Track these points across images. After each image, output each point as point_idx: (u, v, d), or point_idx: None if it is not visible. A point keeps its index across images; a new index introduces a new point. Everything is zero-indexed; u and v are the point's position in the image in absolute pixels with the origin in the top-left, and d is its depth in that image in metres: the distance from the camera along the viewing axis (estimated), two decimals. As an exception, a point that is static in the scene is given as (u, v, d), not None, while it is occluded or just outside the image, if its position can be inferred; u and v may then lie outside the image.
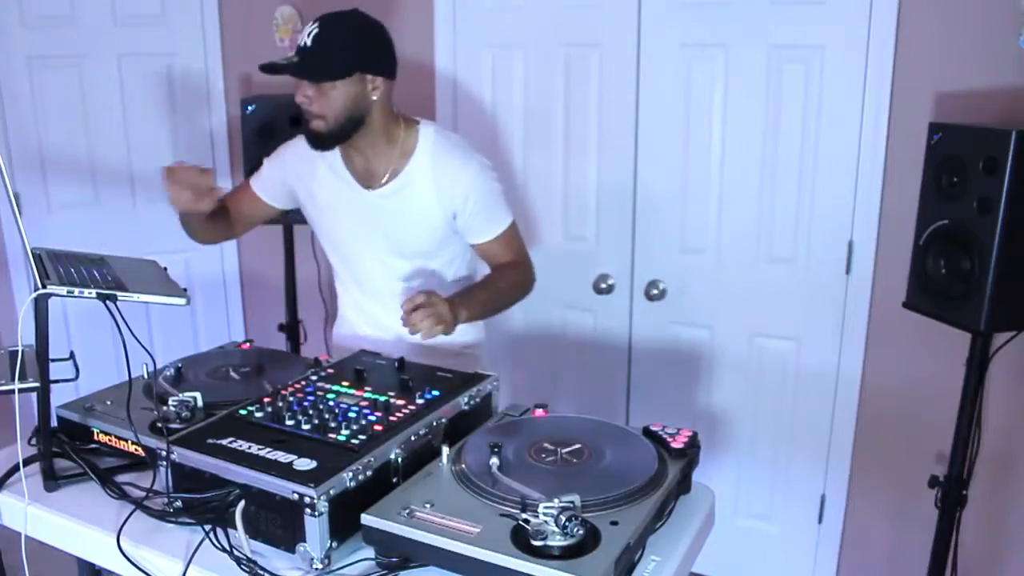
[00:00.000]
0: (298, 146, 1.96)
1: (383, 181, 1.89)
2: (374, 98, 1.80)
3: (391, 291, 1.98)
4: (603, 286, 2.80)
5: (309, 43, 1.74)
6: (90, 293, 1.38)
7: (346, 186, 1.93)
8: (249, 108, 2.91)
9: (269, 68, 1.74)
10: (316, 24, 1.75)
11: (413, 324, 1.64)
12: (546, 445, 1.38)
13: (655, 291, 2.73)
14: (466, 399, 1.54)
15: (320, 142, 1.82)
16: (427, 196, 1.88)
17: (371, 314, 2.04)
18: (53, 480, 1.44)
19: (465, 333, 2.01)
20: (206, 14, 3.33)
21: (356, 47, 1.76)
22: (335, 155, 1.92)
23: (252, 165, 2.95)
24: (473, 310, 1.79)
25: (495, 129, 2.86)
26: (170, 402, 1.46)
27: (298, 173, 1.98)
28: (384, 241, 1.94)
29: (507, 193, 1.97)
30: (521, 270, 1.98)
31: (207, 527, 1.26)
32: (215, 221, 1.98)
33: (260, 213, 2.08)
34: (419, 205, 1.89)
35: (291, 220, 3.03)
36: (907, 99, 2.28)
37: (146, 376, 1.61)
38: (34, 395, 1.40)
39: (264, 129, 2.92)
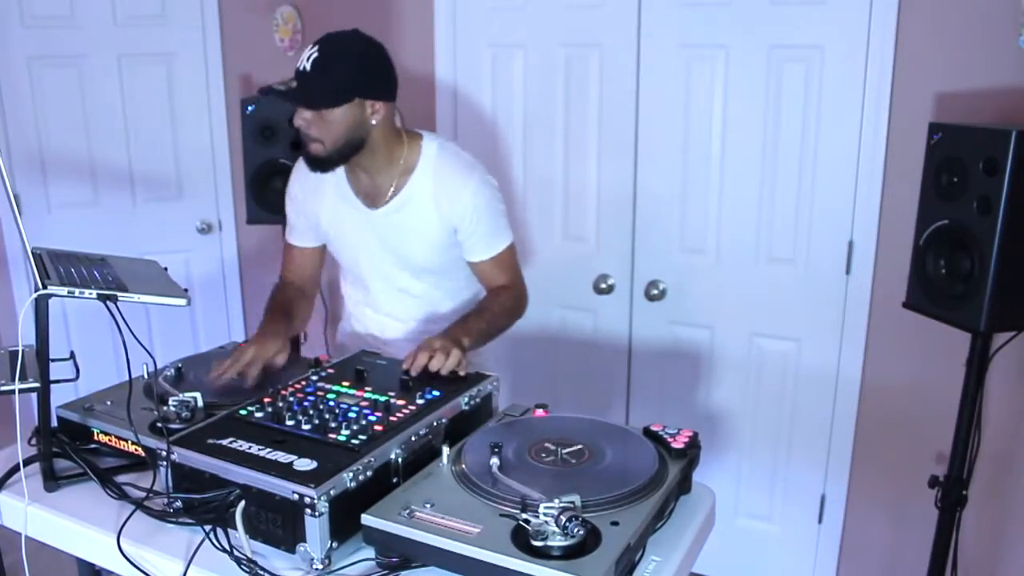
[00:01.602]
0: (299, 176, 1.99)
1: (387, 199, 1.89)
2: (373, 122, 1.78)
3: (402, 310, 2.00)
4: (603, 286, 2.80)
5: (308, 67, 1.70)
6: (90, 293, 1.38)
7: (350, 207, 1.93)
8: (249, 108, 2.91)
9: (268, 92, 1.73)
10: (315, 48, 1.72)
11: (436, 369, 1.61)
12: (546, 445, 1.38)
13: (655, 291, 2.73)
14: (466, 399, 1.54)
15: (318, 164, 1.80)
16: (428, 212, 1.87)
17: (382, 328, 2.05)
18: (53, 480, 1.44)
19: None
20: (206, 14, 3.33)
21: (355, 73, 1.73)
22: (340, 177, 1.92)
23: (252, 165, 2.96)
24: (472, 337, 1.77)
25: (495, 129, 2.86)
26: (170, 402, 1.47)
27: (309, 201, 1.99)
28: (391, 259, 1.95)
29: (509, 214, 1.97)
30: (514, 294, 1.97)
31: (207, 527, 1.26)
32: (294, 308, 1.99)
33: (313, 263, 2.09)
34: (421, 221, 1.88)
35: (291, 220, 3.05)
36: (907, 99, 2.28)
37: (146, 376, 1.61)
38: (34, 395, 1.40)
39: (264, 129, 2.92)
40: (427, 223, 1.88)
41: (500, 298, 1.94)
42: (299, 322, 2.02)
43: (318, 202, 1.97)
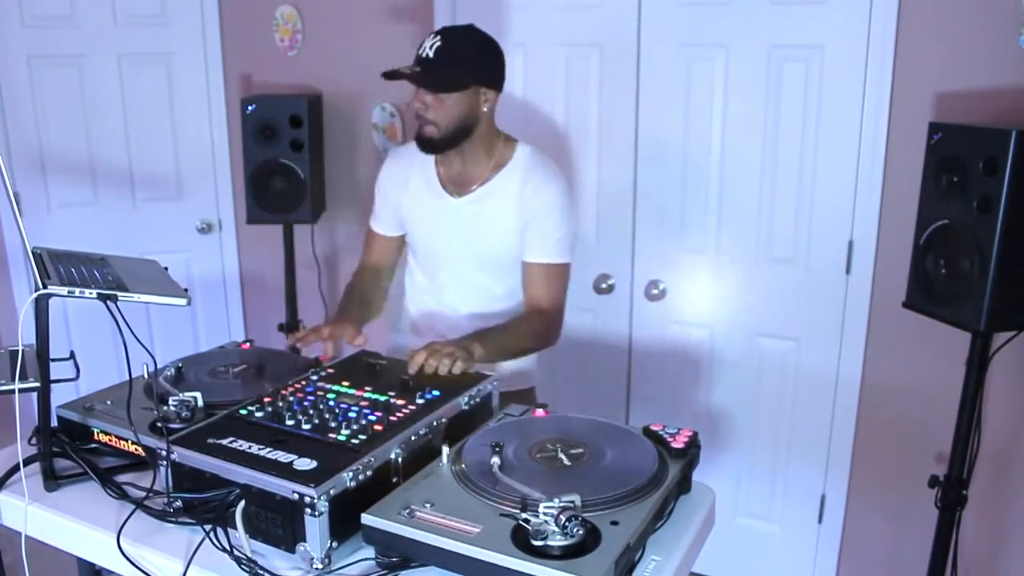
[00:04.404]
0: (389, 166, 2.08)
1: (472, 188, 1.97)
2: (484, 109, 1.89)
3: (461, 299, 2.04)
4: (603, 286, 2.80)
5: (432, 55, 1.82)
6: (91, 293, 1.38)
7: (434, 196, 1.99)
8: (249, 108, 2.91)
9: (391, 75, 1.83)
10: (438, 37, 1.85)
11: (427, 370, 1.64)
12: (546, 445, 1.38)
13: (655, 291, 2.73)
14: (466, 399, 1.54)
15: (430, 146, 1.90)
16: (509, 205, 1.94)
17: (445, 320, 2.06)
18: (53, 480, 1.44)
19: (519, 363, 2.08)
20: (206, 14, 3.33)
21: (473, 61, 1.87)
22: (429, 165, 1.99)
23: (252, 165, 2.96)
24: (488, 348, 1.79)
25: (495, 129, 2.86)
26: (170, 402, 1.46)
27: (394, 190, 2.06)
28: (463, 248, 2.00)
29: (575, 246, 2.04)
30: (548, 320, 1.99)
31: (207, 527, 1.26)
32: (369, 295, 2.07)
33: (390, 251, 2.13)
34: (500, 213, 1.95)
35: (291, 220, 3.06)
36: (907, 99, 2.28)
37: (146, 376, 1.61)
38: (34, 395, 1.40)
39: (264, 129, 2.93)
40: (505, 216, 1.95)
41: (532, 321, 1.97)
42: (374, 309, 2.09)
43: (402, 191, 2.04)
